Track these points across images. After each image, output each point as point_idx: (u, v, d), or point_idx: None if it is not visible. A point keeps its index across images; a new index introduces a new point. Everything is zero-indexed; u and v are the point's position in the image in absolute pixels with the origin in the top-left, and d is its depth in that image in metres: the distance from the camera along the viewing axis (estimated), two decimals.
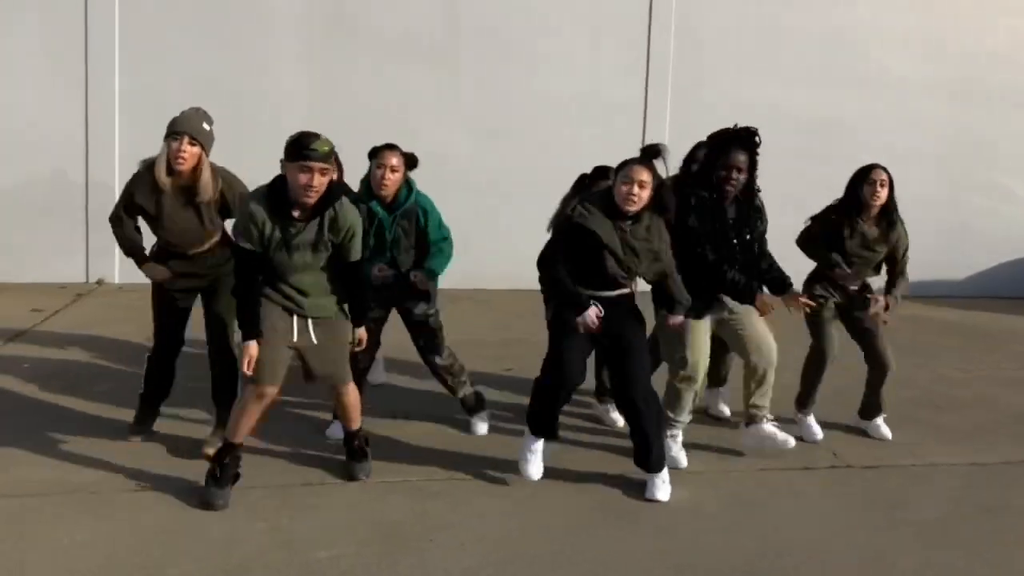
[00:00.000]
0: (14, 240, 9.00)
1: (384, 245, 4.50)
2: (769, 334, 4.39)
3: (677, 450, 4.39)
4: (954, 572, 3.43)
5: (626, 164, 3.89)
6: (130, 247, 4.27)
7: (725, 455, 4.59)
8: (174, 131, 4.03)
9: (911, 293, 5.89)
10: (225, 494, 3.71)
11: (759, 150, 4.28)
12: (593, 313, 3.86)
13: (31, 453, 4.17)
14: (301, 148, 3.50)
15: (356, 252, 3.81)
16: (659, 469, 3.99)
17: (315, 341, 3.81)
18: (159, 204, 4.14)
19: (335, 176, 3.80)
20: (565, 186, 4.82)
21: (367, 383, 4.88)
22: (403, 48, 10.36)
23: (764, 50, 10.83)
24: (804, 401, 4.97)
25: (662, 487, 3.97)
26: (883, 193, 4.74)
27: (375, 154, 4.52)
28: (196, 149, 4.06)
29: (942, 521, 3.89)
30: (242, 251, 3.66)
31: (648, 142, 4.44)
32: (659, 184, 3.90)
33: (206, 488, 3.71)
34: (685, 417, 4.43)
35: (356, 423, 4.09)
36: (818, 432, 4.89)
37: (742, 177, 4.21)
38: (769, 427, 4.41)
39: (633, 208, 3.84)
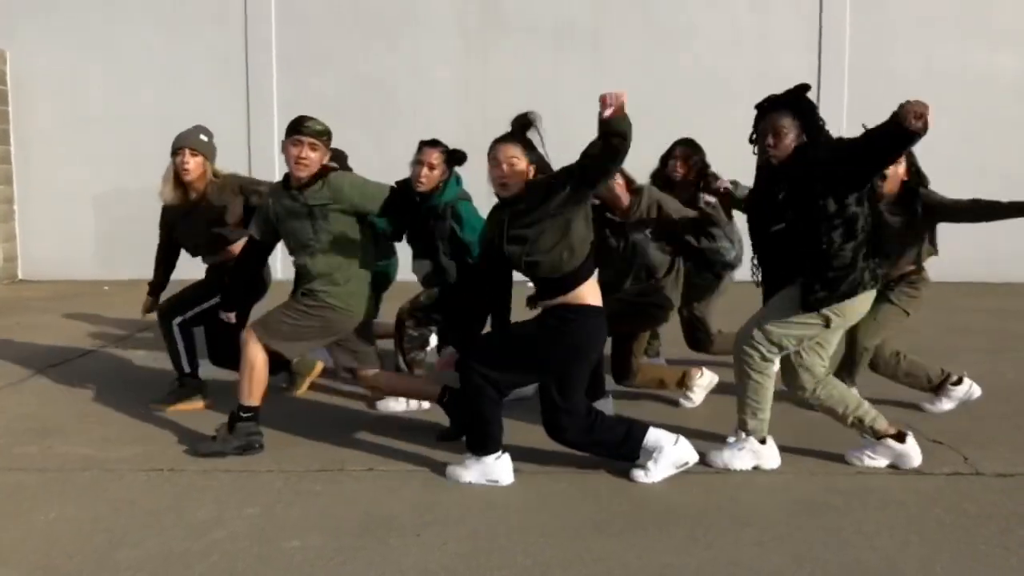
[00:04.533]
0: None
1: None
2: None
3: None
4: None
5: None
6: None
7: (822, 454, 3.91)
8: (175, 147, 4.40)
9: None
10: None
11: (813, 110, 3.61)
12: None
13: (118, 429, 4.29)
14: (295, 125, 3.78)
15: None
16: None
17: None
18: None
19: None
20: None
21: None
22: (552, 35, 10.06)
23: (966, 7, 9.52)
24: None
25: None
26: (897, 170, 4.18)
27: (418, 149, 4.46)
28: (199, 159, 4.41)
29: None
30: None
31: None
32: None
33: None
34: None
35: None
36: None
37: (785, 142, 3.59)
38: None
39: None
